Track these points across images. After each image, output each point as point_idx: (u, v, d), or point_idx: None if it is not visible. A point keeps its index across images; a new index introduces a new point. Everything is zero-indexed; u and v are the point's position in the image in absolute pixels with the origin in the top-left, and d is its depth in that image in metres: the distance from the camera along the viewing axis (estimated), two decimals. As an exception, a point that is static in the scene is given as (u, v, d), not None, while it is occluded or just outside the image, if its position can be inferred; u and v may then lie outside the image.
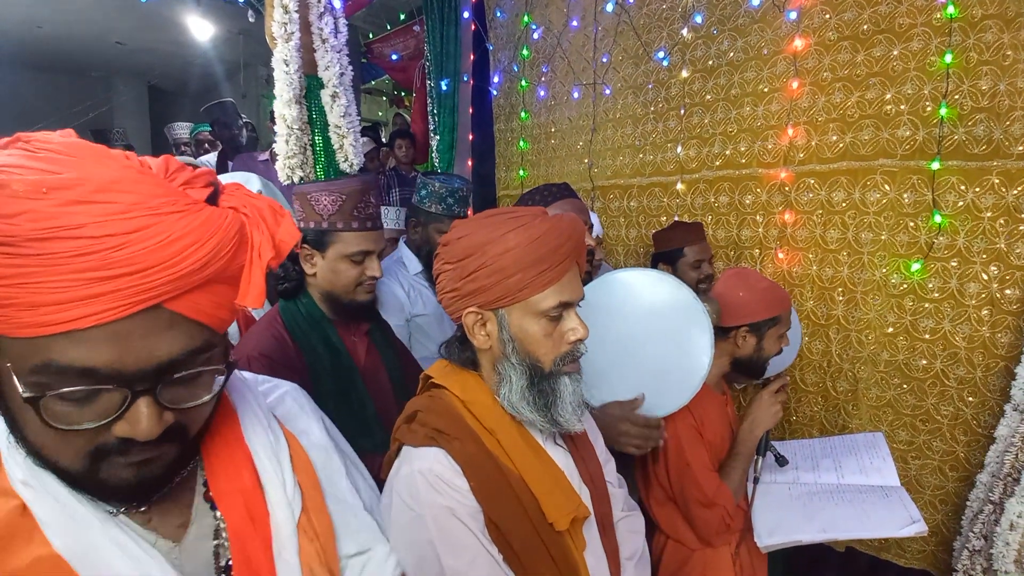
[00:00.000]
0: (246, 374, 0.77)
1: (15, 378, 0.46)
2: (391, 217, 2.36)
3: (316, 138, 1.65)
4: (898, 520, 1.30)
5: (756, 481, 1.49)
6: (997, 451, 1.65)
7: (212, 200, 0.52)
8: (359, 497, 0.78)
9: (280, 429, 0.71)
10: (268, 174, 2.76)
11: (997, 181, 1.77)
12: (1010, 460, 1.54)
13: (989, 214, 1.80)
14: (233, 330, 1.65)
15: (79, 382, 0.47)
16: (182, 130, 4.33)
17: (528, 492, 0.86)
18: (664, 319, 1.31)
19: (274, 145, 2.94)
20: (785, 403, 1.53)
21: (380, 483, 0.95)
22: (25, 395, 0.46)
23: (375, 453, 1.35)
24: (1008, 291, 1.77)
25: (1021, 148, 1.72)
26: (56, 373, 0.46)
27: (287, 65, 1.52)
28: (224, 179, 1.67)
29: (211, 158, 3.59)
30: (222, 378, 0.57)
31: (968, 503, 1.74)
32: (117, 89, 7.70)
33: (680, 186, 2.62)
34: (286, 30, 1.52)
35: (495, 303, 0.87)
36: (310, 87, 1.59)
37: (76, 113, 6.20)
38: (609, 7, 2.76)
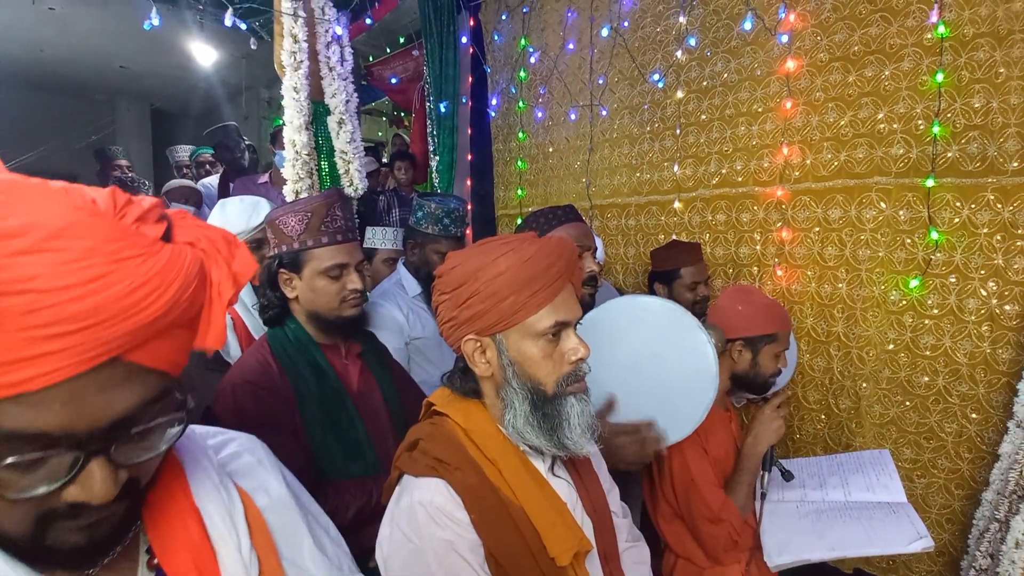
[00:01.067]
0: (195, 428, 0.69)
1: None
2: (389, 238, 2.37)
3: (322, 163, 1.67)
4: (905, 536, 1.29)
5: (763, 497, 1.49)
6: (1001, 469, 1.63)
7: (167, 236, 0.48)
8: (325, 557, 0.71)
9: (233, 487, 0.65)
10: (267, 196, 2.79)
11: (992, 197, 1.79)
12: (1014, 478, 1.53)
13: (985, 230, 1.81)
14: (237, 352, 1.65)
15: (26, 448, 0.42)
16: (183, 152, 4.38)
17: (530, 525, 0.85)
18: (668, 349, 1.31)
19: (273, 168, 2.98)
20: (787, 418, 1.53)
21: (380, 508, 0.94)
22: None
23: (366, 476, 1.34)
24: (1007, 307, 1.77)
25: (1016, 164, 1.73)
26: (2, 440, 0.41)
27: (296, 92, 1.55)
28: (234, 203, 1.69)
29: (213, 180, 3.63)
30: (180, 427, 0.52)
31: (974, 522, 1.72)
32: (120, 111, 7.80)
33: (677, 204, 2.64)
34: (295, 59, 1.55)
35: (492, 328, 0.87)
36: (316, 113, 1.62)
37: (79, 135, 6.27)
38: (604, 32, 2.81)
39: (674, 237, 2.63)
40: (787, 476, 1.55)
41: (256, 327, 1.69)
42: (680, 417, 1.30)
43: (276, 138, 3.21)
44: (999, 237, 1.78)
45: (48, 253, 0.39)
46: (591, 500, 0.99)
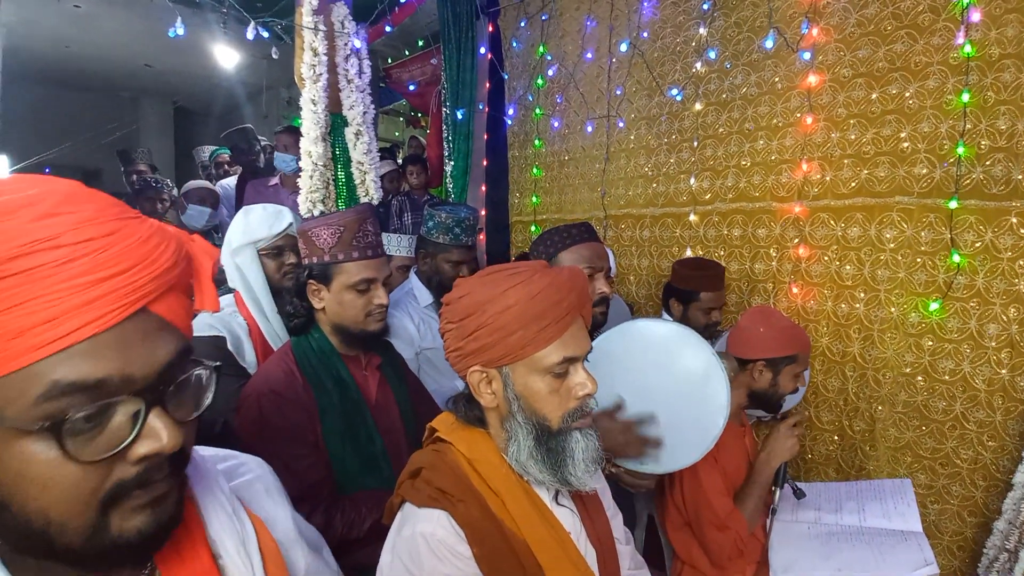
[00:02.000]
0: (205, 450, 0.68)
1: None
2: (404, 245, 2.38)
3: (339, 173, 1.69)
4: (912, 562, 1.29)
5: (774, 512, 1.49)
6: (1014, 499, 1.60)
7: None
8: None
9: (246, 516, 0.64)
10: (277, 198, 2.82)
11: (1016, 221, 1.75)
12: (1030, 511, 1.50)
13: (1009, 255, 1.77)
14: (252, 359, 1.68)
15: (92, 399, 0.43)
16: (205, 153, 4.46)
17: (533, 560, 0.85)
18: (682, 374, 1.30)
19: (281, 173, 3.01)
20: (802, 437, 1.53)
21: (384, 527, 0.95)
22: (38, 427, 0.42)
23: (382, 489, 1.35)
24: (1029, 334, 1.73)
25: (1040, 190, 1.69)
26: (65, 394, 0.42)
27: (315, 104, 1.57)
28: (257, 210, 1.71)
29: (231, 181, 3.68)
30: (213, 378, 0.54)
31: (985, 550, 1.69)
32: (144, 109, 7.94)
33: (693, 217, 2.62)
34: (315, 71, 1.57)
35: (499, 361, 0.86)
36: (334, 124, 1.64)
37: (103, 132, 6.40)
38: (623, 47, 2.79)
39: (688, 251, 2.62)
40: (799, 494, 1.56)
41: (271, 333, 1.71)
42: (688, 445, 1.29)
43: (278, 139, 3.24)
44: (1022, 263, 1.74)
45: (65, 215, 0.44)
46: (595, 529, 0.98)
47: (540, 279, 0.86)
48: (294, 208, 2.04)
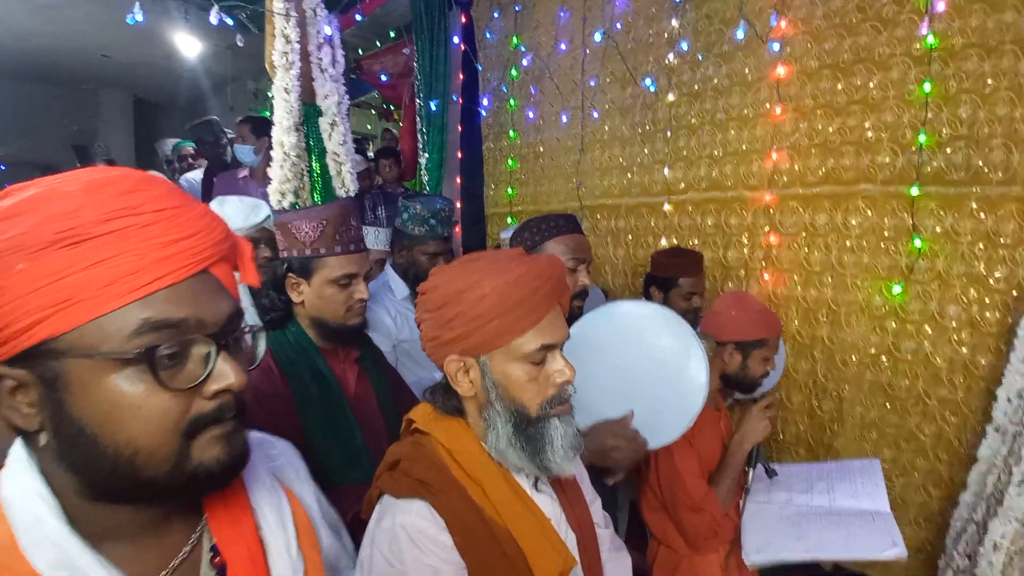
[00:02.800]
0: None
1: (107, 360, 0.49)
2: (382, 239, 2.35)
3: (313, 164, 1.65)
4: (880, 543, 1.33)
5: (747, 492, 1.53)
6: (980, 472, 1.68)
7: None
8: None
9: (282, 489, 0.70)
10: (246, 191, 2.75)
11: (976, 207, 1.83)
12: (992, 481, 1.57)
13: (968, 238, 1.85)
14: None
15: (174, 336, 0.51)
16: (167, 146, 4.30)
17: (515, 546, 0.85)
18: (662, 354, 1.32)
19: (253, 165, 2.93)
20: (774, 419, 1.58)
21: (362, 521, 0.94)
22: (134, 355, 0.49)
23: (362, 483, 1.34)
24: (988, 314, 1.81)
25: (1000, 175, 1.77)
26: (153, 330, 0.50)
27: (287, 93, 1.53)
28: (234, 201, 1.67)
29: (196, 175, 3.56)
30: (262, 336, 0.63)
31: (951, 522, 1.76)
32: (103, 101, 7.62)
33: (667, 207, 2.65)
34: (287, 59, 1.53)
35: (476, 349, 0.86)
36: (307, 115, 1.60)
37: (61, 126, 6.13)
38: (597, 36, 2.80)
39: (663, 240, 2.65)
40: (771, 473, 1.61)
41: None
42: (669, 422, 1.31)
43: (238, 130, 3.14)
44: (981, 246, 1.82)
45: (142, 191, 0.53)
46: (575, 514, 0.98)
47: (517, 267, 0.85)
48: (265, 200, 2.00)
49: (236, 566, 0.60)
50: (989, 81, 1.77)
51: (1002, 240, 1.77)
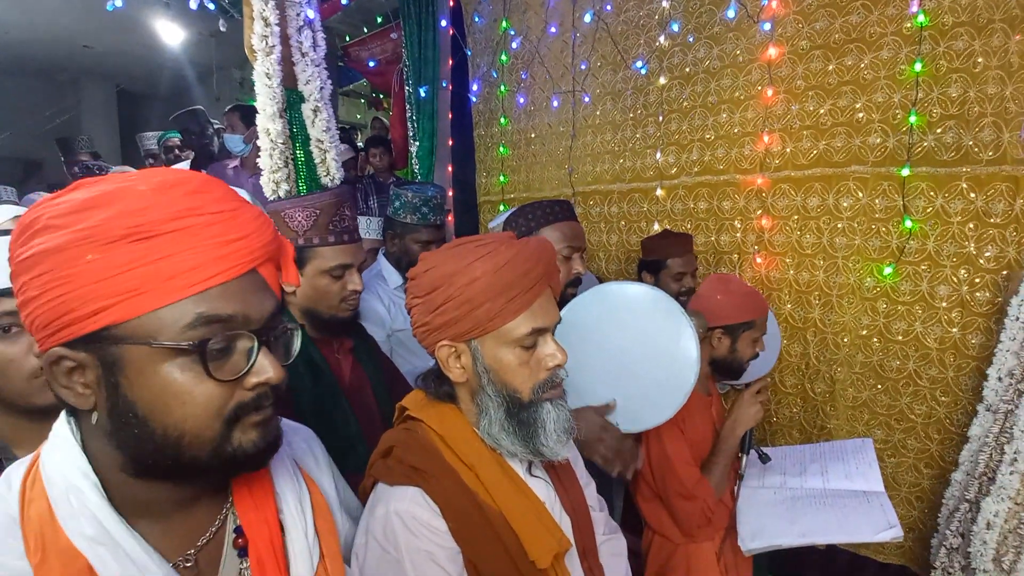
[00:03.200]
0: None
1: (162, 349, 0.54)
2: (374, 228, 2.33)
3: (297, 152, 1.62)
4: (876, 525, 1.33)
5: (741, 479, 1.53)
6: (971, 450, 1.69)
7: None
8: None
9: (302, 475, 0.73)
10: (237, 181, 2.70)
11: (966, 186, 1.83)
12: (984, 460, 1.58)
13: (958, 219, 1.85)
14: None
15: (222, 330, 0.56)
16: (150, 140, 4.21)
17: (509, 530, 0.85)
18: (652, 333, 1.32)
19: (243, 155, 2.89)
20: (766, 403, 1.58)
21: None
22: (188, 345, 0.54)
23: (358, 473, 1.34)
24: (978, 294, 1.82)
25: (991, 154, 1.77)
26: (205, 324, 0.54)
27: (269, 78, 1.49)
28: None
29: (184, 167, 3.51)
30: (298, 334, 0.66)
31: (944, 501, 1.79)
32: (85, 93, 7.47)
33: (660, 192, 2.64)
34: (267, 43, 1.48)
35: (467, 334, 0.85)
36: (290, 101, 1.56)
37: (44, 118, 6.00)
38: (587, 18, 2.76)
39: (656, 225, 2.65)
40: (764, 458, 1.60)
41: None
42: (660, 402, 1.32)
43: (228, 119, 3.08)
44: (971, 226, 1.82)
45: (205, 193, 0.57)
46: (569, 498, 0.99)
47: (507, 250, 0.85)
48: (256, 191, 1.96)
49: (257, 547, 0.63)
50: (979, 59, 1.77)
51: (992, 219, 1.78)
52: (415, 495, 0.83)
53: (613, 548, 1.12)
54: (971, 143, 1.80)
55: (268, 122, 1.49)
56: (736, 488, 1.55)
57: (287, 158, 1.57)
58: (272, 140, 1.52)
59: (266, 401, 0.59)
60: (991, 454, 1.56)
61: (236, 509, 0.65)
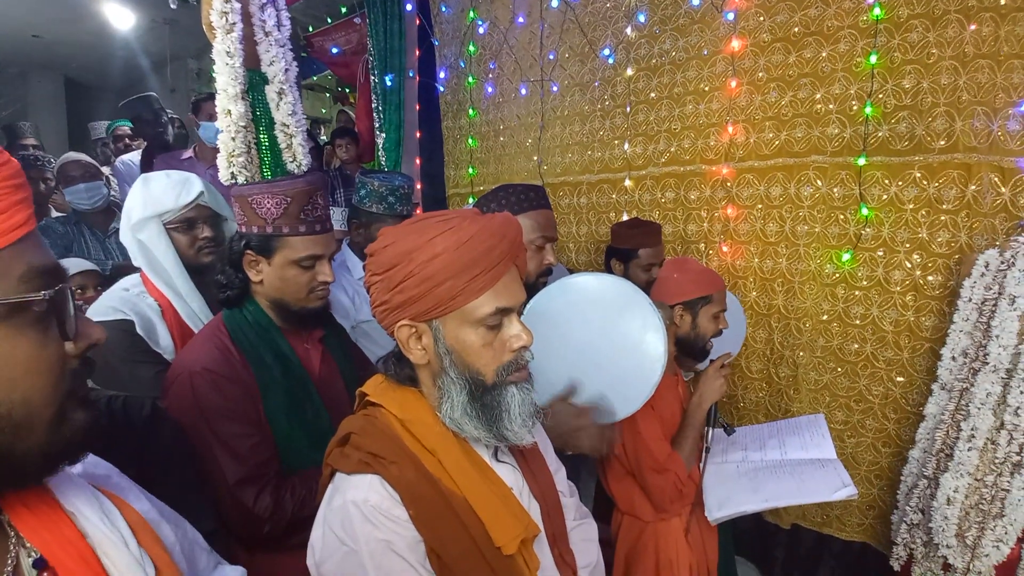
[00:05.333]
0: None
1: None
2: (336, 218, 2.27)
3: (261, 136, 1.54)
4: (832, 485, 1.38)
5: (707, 451, 1.57)
6: (927, 428, 1.75)
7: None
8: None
9: (101, 493, 0.63)
10: (192, 172, 2.56)
11: (919, 175, 1.90)
12: (941, 436, 1.64)
13: (911, 206, 1.92)
14: (167, 343, 1.54)
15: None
16: (99, 129, 3.99)
17: (473, 516, 0.82)
18: (620, 325, 1.31)
19: (198, 141, 2.77)
20: (729, 377, 1.61)
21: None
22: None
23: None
24: (931, 277, 1.90)
25: (943, 143, 1.84)
26: (39, 277, 0.51)
27: (230, 57, 1.40)
28: (160, 178, 1.55)
29: (134, 157, 3.33)
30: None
31: (902, 478, 1.85)
32: (32, 84, 7.08)
33: (628, 182, 2.66)
34: (227, 20, 1.39)
35: (428, 314, 0.81)
36: (252, 83, 1.49)
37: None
38: (555, 2, 2.76)
39: (625, 215, 2.67)
40: (729, 431, 1.65)
41: (189, 315, 1.56)
42: (629, 393, 1.32)
43: (199, 108, 2.96)
44: (924, 212, 1.90)
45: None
46: (538, 483, 0.96)
47: (470, 225, 0.81)
48: (214, 182, 1.88)
49: (71, 570, 0.54)
50: (933, 51, 1.83)
51: (944, 206, 1.85)
52: (374, 483, 0.80)
53: (584, 533, 1.10)
54: (924, 132, 1.87)
55: (229, 103, 1.41)
56: (702, 461, 1.59)
57: (249, 143, 1.49)
58: (235, 122, 1.44)
59: (89, 371, 0.54)
60: (947, 431, 1.62)
61: (26, 539, 0.53)
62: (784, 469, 1.50)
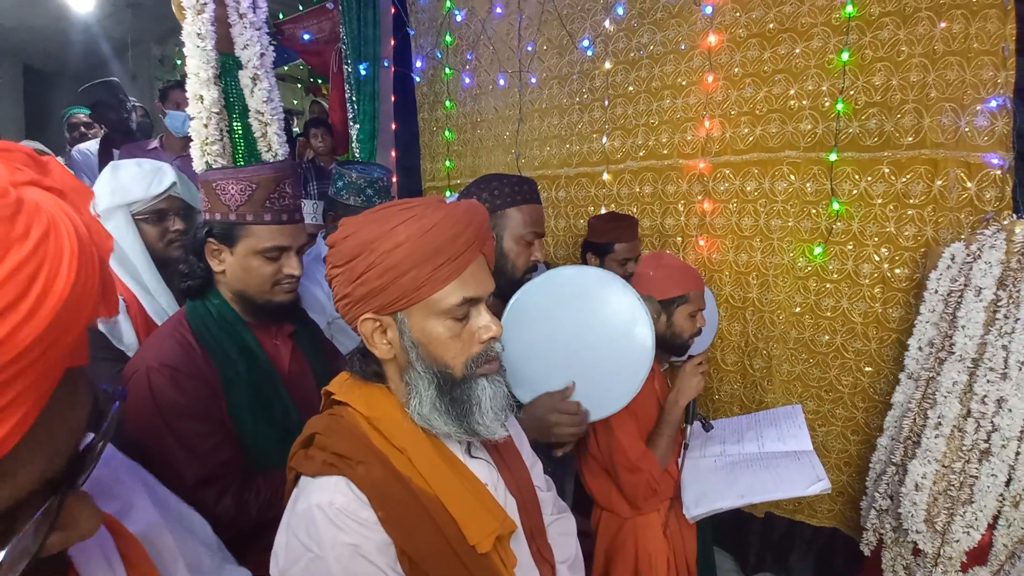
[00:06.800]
0: None
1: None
2: (309, 211, 2.22)
3: (234, 124, 1.48)
4: (807, 479, 1.40)
5: (686, 448, 1.57)
6: (895, 416, 1.81)
7: None
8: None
9: (108, 536, 0.57)
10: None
11: (887, 170, 1.94)
12: (908, 424, 1.69)
13: (880, 201, 1.97)
14: (132, 340, 1.47)
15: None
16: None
17: (446, 515, 0.79)
18: (607, 320, 1.29)
19: (164, 131, 2.67)
20: (706, 374, 1.60)
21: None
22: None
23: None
24: (898, 270, 1.95)
25: (911, 139, 1.88)
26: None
27: (201, 39, 1.33)
28: (130, 166, 1.48)
29: (91, 146, 3.16)
30: None
31: (871, 465, 1.91)
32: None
33: (606, 176, 2.66)
34: (199, 1, 1.33)
35: (392, 306, 0.78)
36: (225, 67, 1.42)
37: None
38: (533, -6, 2.74)
39: (603, 209, 2.67)
40: (707, 427, 1.66)
41: (157, 311, 1.51)
42: (615, 389, 1.30)
43: (166, 96, 2.85)
44: (892, 207, 1.95)
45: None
46: (514, 478, 0.94)
47: (434, 213, 0.78)
48: (182, 171, 1.81)
49: None
50: (903, 48, 1.87)
51: (911, 201, 1.90)
52: (339, 484, 0.77)
53: (562, 527, 1.09)
54: (892, 129, 1.91)
55: (201, 88, 1.35)
56: (681, 458, 1.59)
57: (222, 130, 1.43)
58: (207, 108, 1.38)
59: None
60: (915, 419, 1.67)
61: None
62: (760, 463, 1.51)
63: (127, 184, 1.46)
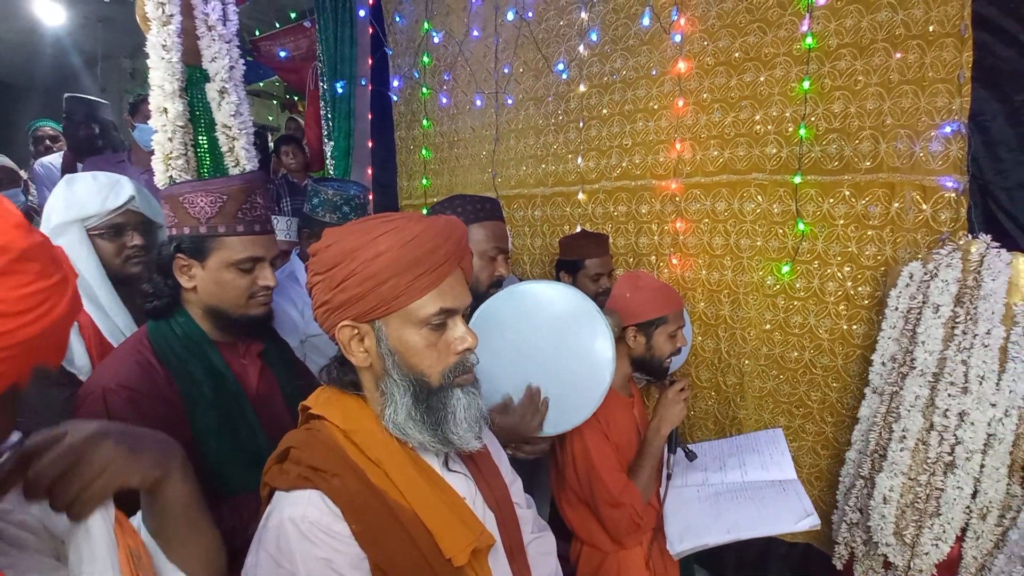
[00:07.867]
0: None
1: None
2: (281, 228, 2.19)
3: (200, 138, 1.45)
4: (795, 514, 1.38)
5: (669, 478, 1.53)
6: (862, 430, 1.85)
7: None
8: None
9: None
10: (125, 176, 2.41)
11: (848, 193, 2.03)
12: (874, 438, 1.73)
13: (842, 222, 2.05)
14: (84, 363, 1.41)
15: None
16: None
17: (422, 528, 0.79)
18: (567, 332, 1.31)
19: (133, 144, 2.61)
20: (688, 401, 1.60)
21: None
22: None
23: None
24: (860, 288, 2.02)
25: (868, 163, 1.97)
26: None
27: (167, 51, 1.32)
28: (85, 180, 1.43)
29: (55, 159, 3.07)
30: None
31: (840, 479, 1.94)
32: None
33: (581, 196, 2.71)
34: (164, 11, 1.31)
35: (370, 314, 0.80)
36: (191, 79, 1.40)
37: None
38: (510, 16, 2.80)
39: (579, 228, 2.71)
40: (691, 456, 1.62)
41: (112, 331, 1.44)
42: (577, 402, 1.31)
43: (136, 109, 2.80)
44: (853, 227, 2.02)
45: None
46: (492, 493, 0.95)
47: (415, 225, 0.81)
48: (149, 187, 1.77)
49: None
50: (860, 78, 1.97)
51: (871, 222, 1.98)
52: (312, 498, 0.76)
53: (541, 547, 1.09)
54: (851, 153, 2.00)
55: (165, 100, 1.33)
56: (663, 489, 1.54)
57: (187, 143, 1.41)
58: (171, 121, 1.35)
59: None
60: (880, 433, 1.72)
61: None
62: (745, 494, 1.48)
63: (82, 198, 1.41)
